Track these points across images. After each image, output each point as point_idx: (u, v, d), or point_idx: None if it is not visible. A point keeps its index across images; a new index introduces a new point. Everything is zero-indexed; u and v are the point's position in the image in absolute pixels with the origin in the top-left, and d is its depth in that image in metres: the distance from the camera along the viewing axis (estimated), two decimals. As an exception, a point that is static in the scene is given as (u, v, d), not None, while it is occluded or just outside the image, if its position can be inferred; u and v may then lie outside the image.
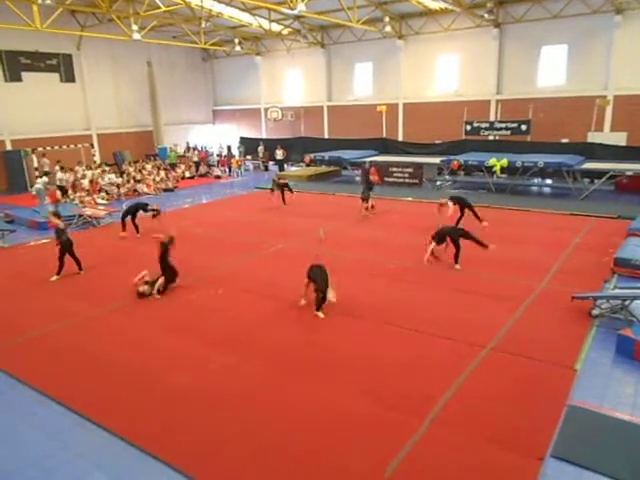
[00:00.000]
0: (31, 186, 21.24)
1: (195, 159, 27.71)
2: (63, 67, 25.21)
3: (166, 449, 5.15)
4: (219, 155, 29.70)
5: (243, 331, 7.83)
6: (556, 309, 8.26)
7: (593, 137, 20.35)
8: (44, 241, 13.96)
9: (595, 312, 7.98)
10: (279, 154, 27.31)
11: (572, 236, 12.55)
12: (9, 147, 23.35)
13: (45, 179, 19.53)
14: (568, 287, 8.92)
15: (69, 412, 5.86)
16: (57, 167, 21.53)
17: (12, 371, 6.83)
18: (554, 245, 11.83)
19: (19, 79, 23.52)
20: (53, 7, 18.33)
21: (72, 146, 24.02)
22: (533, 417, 5.47)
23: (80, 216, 15.88)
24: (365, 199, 15.57)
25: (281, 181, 17.90)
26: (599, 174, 17.73)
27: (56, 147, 23.11)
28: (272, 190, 17.72)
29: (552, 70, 22.00)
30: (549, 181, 21.13)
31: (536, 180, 21.21)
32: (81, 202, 18.56)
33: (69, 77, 25.55)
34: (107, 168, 22.32)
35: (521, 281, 9.59)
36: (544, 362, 6.60)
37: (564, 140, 21.08)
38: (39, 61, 24.15)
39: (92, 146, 26.00)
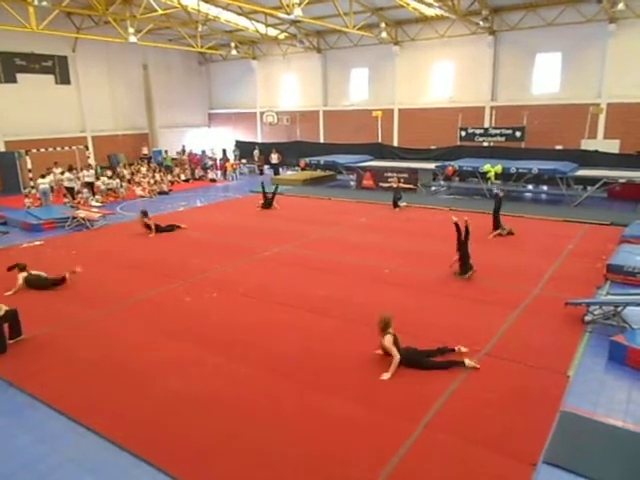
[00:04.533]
0: (24, 188, 21.15)
1: (185, 163, 27.84)
2: (58, 69, 25.16)
3: (158, 453, 5.10)
4: (212, 158, 29.67)
5: (237, 334, 7.80)
6: (549, 315, 8.29)
7: (587, 144, 20.51)
8: (37, 243, 13.89)
9: (588, 318, 8.02)
10: (274, 158, 27.34)
11: (566, 242, 12.61)
12: (3, 148, 23.23)
13: (50, 179, 19.58)
14: (561, 293, 8.96)
15: (60, 416, 5.81)
16: (59, 169, 21.45)
17: (2, 374, 6.77)
18: (548, 251, 11.88)
19: (14, 80, 23.44)
20: (49, 9, 18.27)
21: (67, 148, 23.92)
22: (526, 423, 5.48)
23: (74, 218, 15.80)
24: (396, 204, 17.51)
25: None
26: (592, 181, 17.85)
27: (50, 149, 22.99)
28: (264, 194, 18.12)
29: (546, 77, 22.19)
30: (543, 187, 21.25)
31: (530, 186, 21.32)
32: (76, 204, 18.49)
33: (64, 79, 25.50)
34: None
35: (515, 287, 9.62)
36: (537, 368, 6.61)
37: (558, 147, 21.25)
38: (34, 63, 24.08)
39: (87, 148, 25.92)
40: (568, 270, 10.58)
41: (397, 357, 6.51)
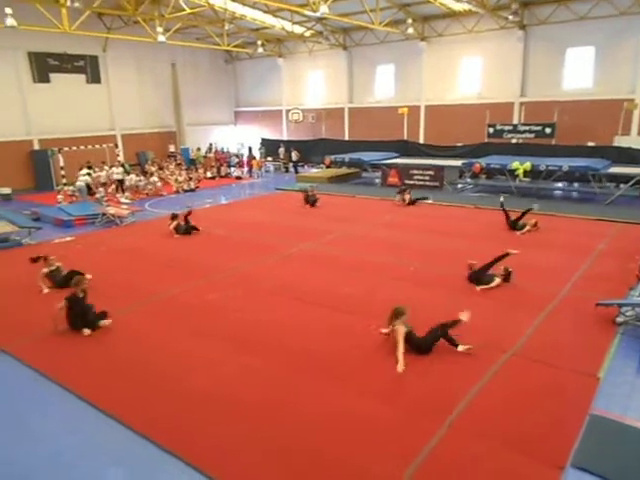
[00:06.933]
0: (57, 185, 21.73)
1: (211, 161, 28.23)
2: (89, 68, 25.76)
3: (187, 449, 5.16)
4: (237, 156, 29.93)
5: (261, 332, 7.84)
6: (579, 316, 8.10)
7: (620, 141, 19.95)
8: (68, 239, 14.25)
9: (619, 319, 7.81)
10: (294, 156, 27.44)
11: (597, 242, 12.30)
12: (37, 147, 23.91)
13: (87, 178, 20.39)
14: (592, 293, 8.74)
15: (91, 408, 5.95)
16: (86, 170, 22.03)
17: (37, 366, 6.97)
18: (578, 250, 11.61)
19: (47, 80, 24.12)
20: (81, 10, 18.72)
21: (97, 146, 24.47)
22: (554, 425, 5.37)
23: (103, 215, 16.16)
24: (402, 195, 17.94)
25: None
26: (625, 179, 17.36)
27: (82, 147, 23.56)
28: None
29: (578, 72, 21.64)
30: (574, 185, 20.72)
31: (560, 184, 20.83)
32: (105, 201, 18.91)
33: (95, 78, 26.10)
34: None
35: (545, 286, 9.43)
36: (566, 369, 6.47)
37: (590, 143, 20.69)
38: (67, 62, 24.72)
39: (116, 146, 26.45)
40: (599, 270, 10.31)
41: (402, 350, 6.63)
